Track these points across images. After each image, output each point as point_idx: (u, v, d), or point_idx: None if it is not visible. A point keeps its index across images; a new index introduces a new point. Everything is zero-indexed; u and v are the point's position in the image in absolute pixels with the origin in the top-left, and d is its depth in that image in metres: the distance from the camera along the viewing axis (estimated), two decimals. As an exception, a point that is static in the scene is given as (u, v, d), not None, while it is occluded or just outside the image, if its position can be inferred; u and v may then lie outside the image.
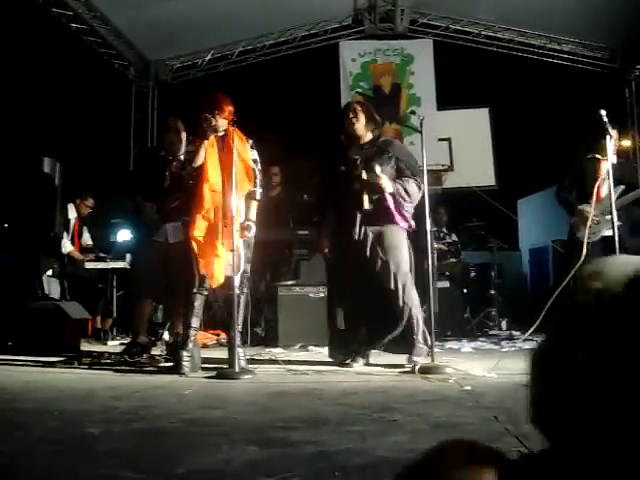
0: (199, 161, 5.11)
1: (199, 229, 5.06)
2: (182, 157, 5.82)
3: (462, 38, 11.08)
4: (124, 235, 8.84)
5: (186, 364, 4.96)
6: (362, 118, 5.40)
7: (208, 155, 5.12)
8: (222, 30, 10.25)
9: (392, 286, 5.12)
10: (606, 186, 6.20)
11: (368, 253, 5.19)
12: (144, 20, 9.47)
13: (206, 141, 5.11)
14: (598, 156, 6.40)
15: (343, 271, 5.30)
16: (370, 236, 5.22)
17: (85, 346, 5.90)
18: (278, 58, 11.20)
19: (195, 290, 5.12)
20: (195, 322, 5.17)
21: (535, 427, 0.91)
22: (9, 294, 5.71)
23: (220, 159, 5.12)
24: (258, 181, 5.35)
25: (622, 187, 6.11)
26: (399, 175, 5.33)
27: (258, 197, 5.35)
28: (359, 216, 5.22)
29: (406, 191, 5.23)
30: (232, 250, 4.88)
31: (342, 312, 5.37)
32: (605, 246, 6.02)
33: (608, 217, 6.07)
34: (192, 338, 5.12)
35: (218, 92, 5.45)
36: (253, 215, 5.31)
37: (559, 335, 0.91)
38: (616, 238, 5.13)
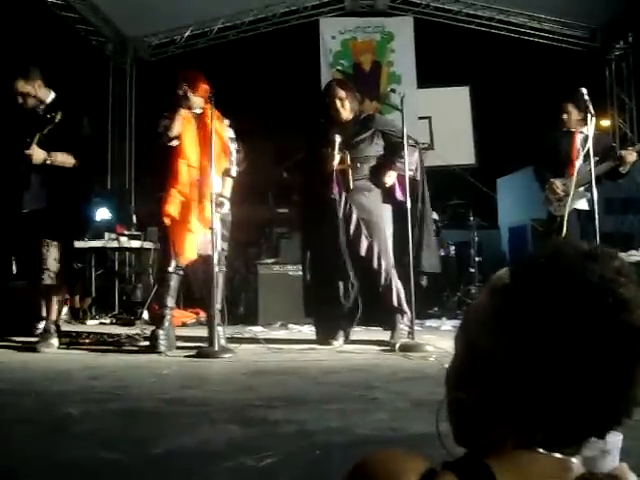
0: (175, 131, 5.04)
1: (174, 205, 5.00)
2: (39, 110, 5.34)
3: (442, 16, 11.01)
4: (102, 213, 8.77)
5: (162, 342, 4.92)
6: (347, 103, 5.37)
7: (185, 130, 5.06)
8: (201, 6, 10.11)
9: (376, 265, 5.12)
10: (580, 159, 6.25)
11: (352, 232, 5.17)
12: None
13: (181, 110, 5.05)
14: (572, 129, 6.41)
15: (324, 248, 5.27)
16: (354, 215, 5.19)
17: (64, 326, 5.83)
18: (258, 35, 11.10)
19: (171, 270, 5.08)
20: (170, 302, 5.13)
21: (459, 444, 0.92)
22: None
23: (197, 136, 5.08)
24: (234, 159, 5.31)
25: (595, 159, 6.13)
26: (388, 145, 5.31)
27: (233, 174, 5.32)
28: (344, 195, 5.19)
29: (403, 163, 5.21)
30: (210, 228, 4.84)
31: (322, 291, 5.35)
32: (580, 218, 6.07)
33: (581, 189, 6.13)
34: (168, 317, 5.09)
35: (194, 69, 5.39)
36: (227, 192, 5.27)
37: (466, 338, 0.94)
38: (595, 209, 5.16)
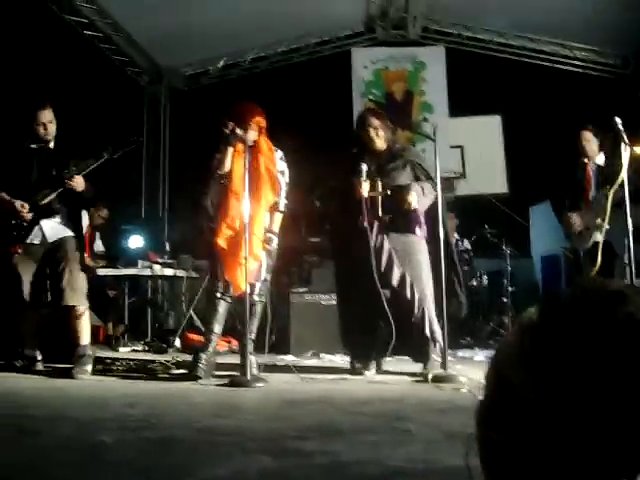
0: (225, 168, 5.11)
1: (223, 236, 5.07)
2: (51, 145, 5.46)
3: (474, 45, 11.06)
4: (136, 241, 8.85)
5: (202, 367, 4.96)
6: (381, 132, 5.39)
7: (235, 164, 5.11)
8: (234, 37, 10.26)
9: (409, 295, 5.10)
10: (593, 190, 6.19)
11: (384, 262, 5.16)
12: (157, 27, 9.50)
13: (230, 148, 5.09)
14: (585, 160, 6.36)
15: (356, 278, 5.26)
16: (386, 245, 5.19)
17: (97, 353, 5.89)
18: (290, 65, 11.22)
19: (219, 295, 5.12)
20: (217, 327, 5.17)
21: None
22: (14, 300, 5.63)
23: (248, 169, 5.02)
24: (283, 193, 5.33)
25: (608, 187, 6.06)
26: (415, 180, 5.32)
27: (282, 208, 5.35)
28: (375, 224, 5.20)
29: (423, 190, 5.22)
30: (245, 258, 4.87)
31: (355, 321, 5.33)
32: (596, 251, 5.97)
33: (598, 221, 6.04)
34: (212, 343, 5.13)
35: (246, 102, 5.42)
36: (276, 227, 5.32)
37: (495, 376, 0.93)
38: (630, 237, 5.10)
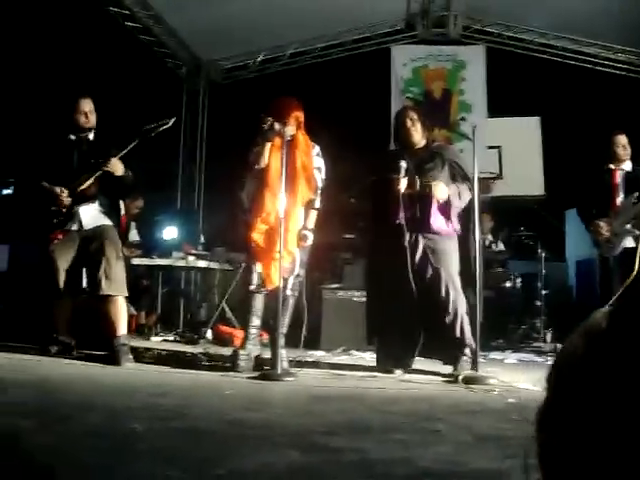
0: (262, 163, 5.12)
1: (258, 231, 5.08)
2: (90, 136, 5.59)
3: (515, 45, 10.95)
4: (170, 232, 8.91)
5: (242, 363, 5.00)
6: (419, 127, 5.37)
7: (272, 159, 5.11)
8: (274, 32, 10.28)
9: (443, 295, 5.07)
10: (621, 196, 6.12)
11: (418, 260, 5.14)
12: (198, 20, 9.54)
13: (268, 144, 5.10)
14: (611, 166, 6.30)
15: (389, 275, 5.24)
16: (421, 243, 5.16)
17: (129, 341, 5.93)
18: (329, 61, 11.20)
19: (253, 288, 5.14)
20: (255, 321, 5.19)
21: None
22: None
23: (285, 164, 5.01)
24: (319, 190, 5.33)
25: (637, 193, 6.00)
26: (452, 179, 5.29)
27: (317, 206, 5.34)
28: (411, 223, 5.17)
29: (459, 194, 5.19)
30: (279, 252, 4.88)
31: (385, 318, 5.32)
32: (626, 257, 5.91)
33: (628, 226, 5.98)
34: (252, 337, 5.15)
35: (285, 97, 5.42)
36: (311, 224, 5.31)
37: (557, 382, 0.91)
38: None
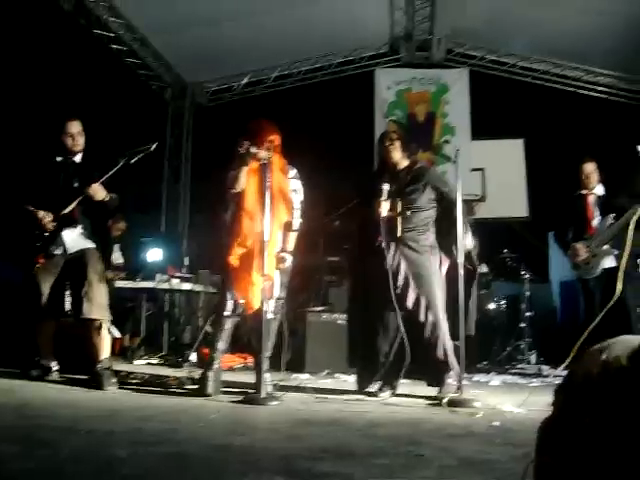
0: (239, 187, 5.11)
1: (235, 255, 5.07)
2: (77, 159, 5.58)
3: (498, 68, 11.08)
4: (155, 254, 8.89)
5: (210, 384, 4.97)
6: (398, 145, 5.39)
7: (249, 182, 5.11)
8: (259, 54, 10.35)
9: (422, 318, 5.07)
10: (597, 218, 6.24)
11: (400, 283, 5.14)
12: (183, 43, 9.60)
13: (245, 167, 5.10)
14: (583, 192, 6.46)
15: (372, 298, 5.24)
16: (403, 266, 5.17)
17: (112, 365, 5.89)
18: (314, 84, 11.27)
19: (227, 314, 5.12)
20: (222, 345, 5.17)
21: None
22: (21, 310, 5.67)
23: (260, 188, 5.03)
24: (296, 212, 5.32)
25: (612, 215, 6.13)
26: (435, 202, 5.30)
27: (295, 228, 5.33)
28: (392, 245, 5.19)
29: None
30: (263, 275, 4.87)
31: (367, 341, 5.30)
32: (605, 277, 5.98)
33: (606, 247, 6.09)
34: (218, 360, 5.13)
35: (261, 120, 5.41)
36: (289, 246, 5.30)
37: (568, 405, 0.92)
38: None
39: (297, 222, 5.32)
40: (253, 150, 5.02)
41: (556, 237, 6.86)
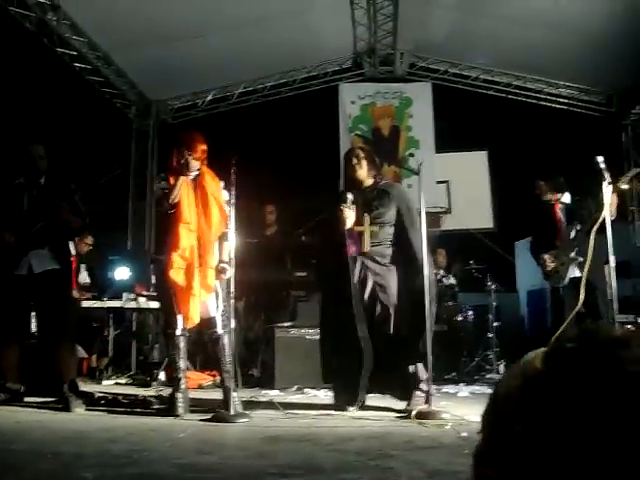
0: (176, 198, 5.07)
1: (176, 268, 5.01)
2: (42, 180, 5.51)
3: (460, 82, 11.20)
4: (122, 273, 8.83)
5: (180, 405, 4.94)
6: (364, 164, 5.43)
7: (183, 194, 5.08)
8: (223, 71, 10.37)
9: (391, 331, 5.09)
10: (564, 227, 6.33)
11: (367, 297, 5.17)
12: (146, 61, 9.58)
13: (182, 177, 5.07)
14: (549, 198, 6.53)
15: (340, 311, 5.25)
16: (370, 279, 5.20)
17: (80, 386, 5.84)
18: (278, 99, 11.31)
19: (179, 333, 5.07)
20: (183, 363, 5.13)
21: None
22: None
23: (195, 200, 5.04)
24: (231, 222, 5.29)
25: (577, 223, 6.23)
26: (398, 219, 5.33)
27: (230, 238, 5.28)
28: (359, 259, 5.21)
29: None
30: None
31: (338, 356, 5.31)
32: (572, 287, 6.04)
33: (572, 255, 6.17)
34: (183, 379, 5.10)
35: (192, 130, 5.44)
36: (226, 256, 5.25)
37: (496, 424, 0.94)
38: (613, 274, 5.15)
39: (232, 233, 5.26)
40: (190, 160, 5.03)
41: (531, 249, 6.90)
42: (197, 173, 5.17)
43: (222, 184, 5.36)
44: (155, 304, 8.01)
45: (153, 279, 8.78)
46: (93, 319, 8.24)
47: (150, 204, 11.13)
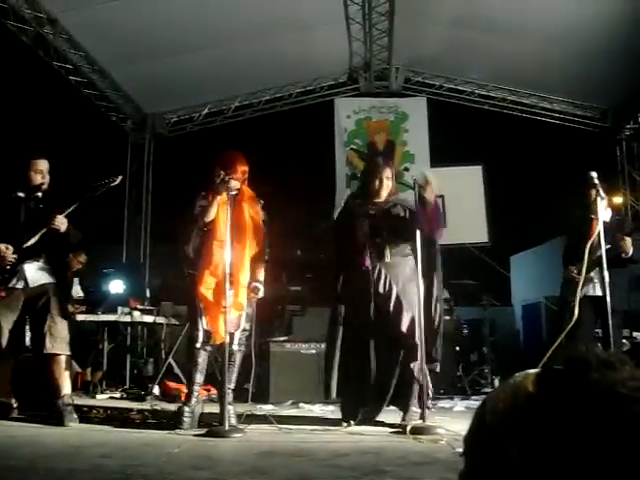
0: (211, 216, 5.13)
1: (206, 285, 5.05)
2: (40, 194, 5.49)
3: (455, 97, 11.24)
4: (117, 286, 8.81)
5: (186, 420, 4.94)
6: (391, 184, 5.47)
7: (220, 212, 5.12)
8: (219, 85, 10.39)
9: (418, 340, 5.05)
10: (595, 243, 6.26)
11: (392, 307, 5.16)
12: (142, 74, 9.59)
13: (219, 197, 5.10)
14: (593, 216, 6.44)
15: (358, 323, 5.22)
16: (394, 289, 5.19)
17: (74, 400, 5.81)
18: (274, 113, 11.34)
19: (199, 346, 5.10)
20: (199, 378, 5.15)
21: None
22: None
23: (231, 218, 5.03)
24: (266, 242, 5.35)
25: (607, 246, 6.14)
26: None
27: (265, 258, 5.36)
28: (383, 269, 5.21)
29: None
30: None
31: (352, 370, 5.25)
32: (594, 306, 5.99)
33: (591, 274, 6.11)
34: (195, 394, 5.11)
35: (233, 151, 5.46)
36: (261, 276, 5.31)
37: (482, 448, 0.94)
38: (607, 292, 5.14)
39: (266, 252, 5.35)
40: (227, 179, 5.05)
41: (563, 257, 6.76)
42: (236, 192, 5.20)
43: (261, 203, 5.41)
44: (149, 318, 8.01)
45: (148, 292, 8.79)
46: (87, 333, 8.21)
47: (145, 217, 11.14)
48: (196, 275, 5.18)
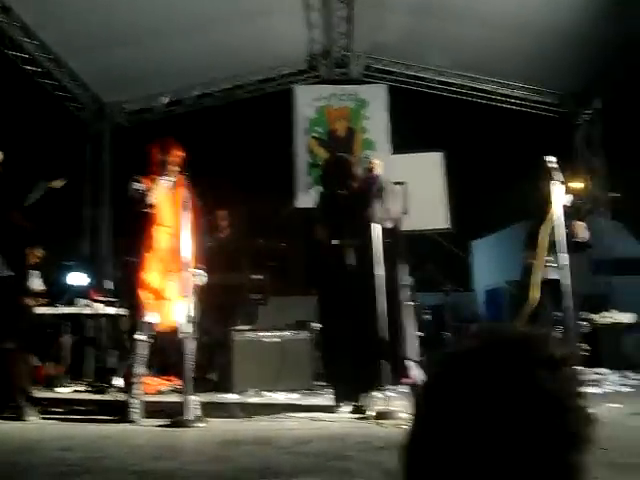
0: (153, 199, 5.04)
1: (149, 271, 4.98)
2: None
3: (416, 83, 11.29)
4: (77, 278, 8.71)
5: (135, 411, 4.88)
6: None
7: (161, 197, 5.09)
8: (178, 74, 10.31)
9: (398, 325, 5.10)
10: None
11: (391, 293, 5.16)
12: (100, 63, 9.49)
13: (160, 180, 5.08)
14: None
15: (345, 306, 5.17)
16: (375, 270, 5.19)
17: (36, 394, 5.74)
18: (234, 102, 11.28)
19: (140, 337, 5.01)
20: (140, 369, 5.06)
21: None
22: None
23: (172, 204, 5.04)
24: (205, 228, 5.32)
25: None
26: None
27: (209, 244, 5.32)
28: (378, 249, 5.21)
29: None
30: (185, 296, 4.84)
31: (346, 354, 5.23)
32: (552, 289, 6.06)
33: (550, 258, 6.19)
34: (139, 386, 5.04)
35: (171, 137, 5.43)
36: (203, 262, 5.26)
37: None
38: (568, 275, 5.20)
39: (207, 240, 5.30)
40: (167, 163, 5.02)
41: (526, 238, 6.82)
42: (174, 179, 5.14)
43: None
44: (111, 309, 7.93)
45: (109, 284, 8.70)
46: (48, 326, 8.12)
47: (105, 208, 11.03)
48: (136, 262, 5.11)
